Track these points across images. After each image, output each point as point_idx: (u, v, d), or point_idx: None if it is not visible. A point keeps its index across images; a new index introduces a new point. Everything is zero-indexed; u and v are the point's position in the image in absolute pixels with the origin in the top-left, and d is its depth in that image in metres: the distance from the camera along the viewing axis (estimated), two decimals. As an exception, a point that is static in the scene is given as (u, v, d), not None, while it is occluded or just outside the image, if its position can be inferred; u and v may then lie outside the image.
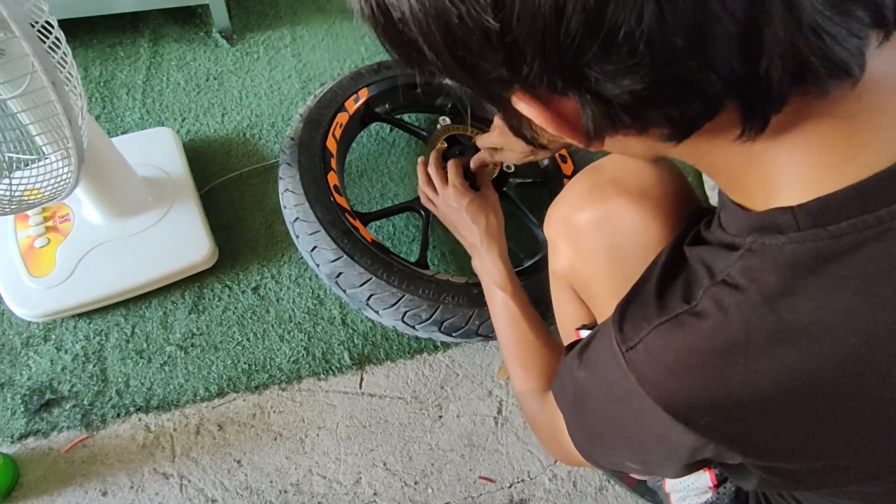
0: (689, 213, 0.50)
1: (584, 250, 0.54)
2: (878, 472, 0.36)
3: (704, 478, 0.55)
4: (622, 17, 0.24)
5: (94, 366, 0.87)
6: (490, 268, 0.75)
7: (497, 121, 0.84)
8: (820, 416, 0.32)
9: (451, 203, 0.82)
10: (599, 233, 0.52)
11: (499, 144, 0.82)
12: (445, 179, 0.84)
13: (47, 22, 0.61)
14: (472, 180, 0.86)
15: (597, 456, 0.45)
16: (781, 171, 0.32)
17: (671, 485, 0.59)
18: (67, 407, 0.83)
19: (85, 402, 0.84)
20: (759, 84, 0.27)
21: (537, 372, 0.63)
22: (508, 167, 0.98)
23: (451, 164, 0.85)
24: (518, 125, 0.34)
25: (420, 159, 0.90)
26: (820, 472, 0.36)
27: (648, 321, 0.35)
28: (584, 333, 0.61)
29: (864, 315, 0.29)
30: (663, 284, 0.37)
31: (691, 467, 0.39)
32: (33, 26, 0.58)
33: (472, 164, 0.89)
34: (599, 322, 0.59)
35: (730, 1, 0.24)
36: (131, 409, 0.84)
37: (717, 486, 0.55)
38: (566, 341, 0.68)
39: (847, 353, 0.30)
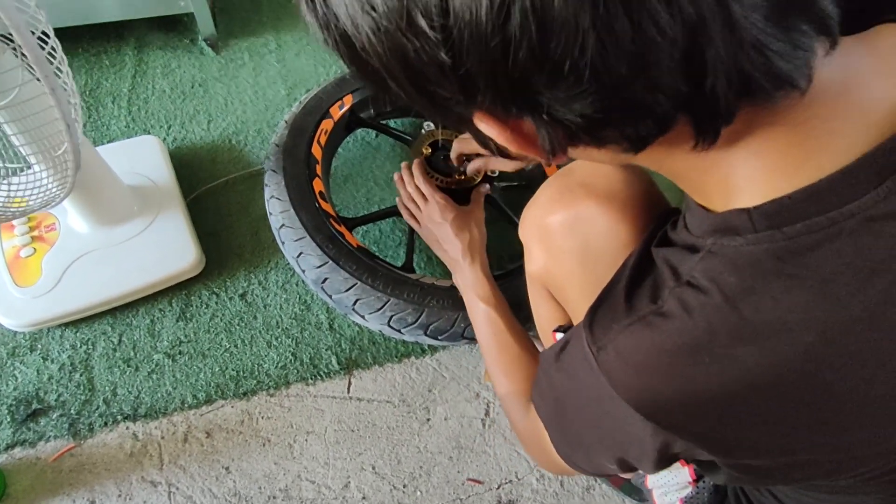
0: (658, 215, 0.51)
1: (556, 252, 0.55)
2: (841, 466, 0.36)
3: (684, 473, 0.56)
4: (566, 50, 0.25)
5: (80, 375, 0.87)
6: (473, 281, 0.76)
7: None
8: (782, 413, 0.33)
9: (434, 218, 0.83)
10: (570, 235, 0.53)
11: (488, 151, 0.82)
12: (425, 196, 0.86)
13: (44, 32, 0.61)
14: (454, 195, 0.88)
15: (577, 459, 0.46)
16: (738, 176, 0.33)
17: (653, 481, 0.60)
18: (54, 416, 0.83)
19: (72, 412, 0.84)
20: (706, 101, 0.28)
21: (521, 381, 0.64)
22: (493, 171, 0.99)
23: (424, 183, 0.86)
24: (486, 142, 0.35)
25: (396, 175, 0.91)
26: (785, 467, 0.37)
27: (617, 322, 0.36)
28: (560, 335, 0.62)
29: (821, 313, 0.30)
30: (632, 286, 0.38)
31: (665, 463, 0.39)
32: (32, 34, 0.59)
33: (469, 171, 0.90)
34: (575, 323, 0.60)
35: (668, 28, 0.25)
36: (119, 417, 0.84)
37: (696, 481, 0.56)
38: (544, 342, 0.69)
39: (805, 350, 0.31)
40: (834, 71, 0.30)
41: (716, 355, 0.32)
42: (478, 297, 0.74)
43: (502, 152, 0.36)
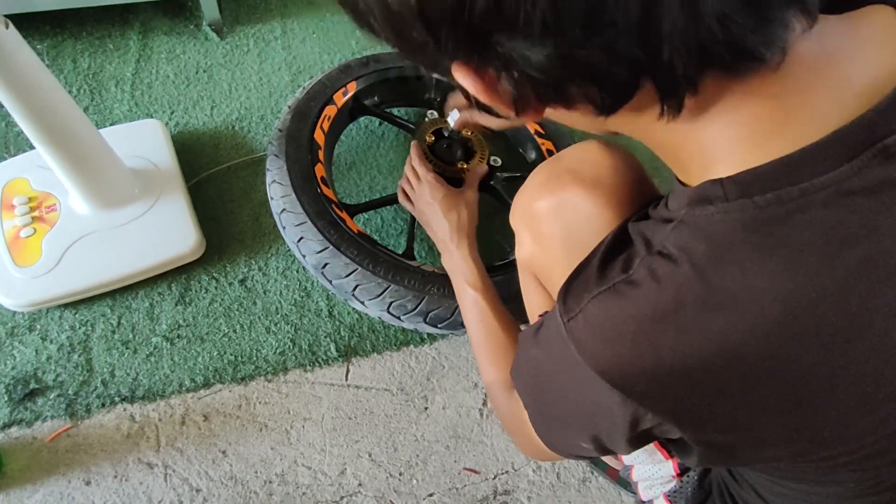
0: (644, 202, 0.51)
1: (543, 238, 0.55)
2: (810, 447, 0.36)
3: (668, 466, 0.56)
4: (519, 2, 0.27)
5: (79, 356, 0.87)
6: (461, 265, 0.76)
7: None
8: (748, 385, 0.33)
9: (426, 198, 0.83)
10: (555, 220, 0.53)
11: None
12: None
13: None
14: (456, 184, 0.87)
15: (553, 439, 0.45)
16: (714, 147, 0.33)
17: (638, 474, 0.60)
18: (52, 396, 0.83)
19: (69, 392, 0.84)
20: (664, 69, 0.28)
21: (506, 367, 0.63)
22: (496, 161, 0.99)
23: (419, 164, 0.87)
24: (466, 93, 0.37)
25: (408, 158, 0.91)
26: (752, 444, 0.36)
27: (588, 292, 0.36)
28: None
29: (789, 284, 0.30)
30: (607, 259, 0.38)
31: (637, 440, 0.39)
32: None
33: (455, 125, 0.90)
34: None
35: None
36: (116, 399, 0.84)
37: (680, 475, 0.55)
38: None
39: (771, 320, 0.31)
40: (812, 46, 0.31)
41: (682, 324, 0.32)
42: (465, 281, 0.74)
43: (486, 107, 0.36)
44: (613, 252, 0.38)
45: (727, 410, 0.34)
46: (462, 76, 0.33)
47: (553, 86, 0.31)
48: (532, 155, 1.08)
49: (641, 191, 0.52)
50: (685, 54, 0.28)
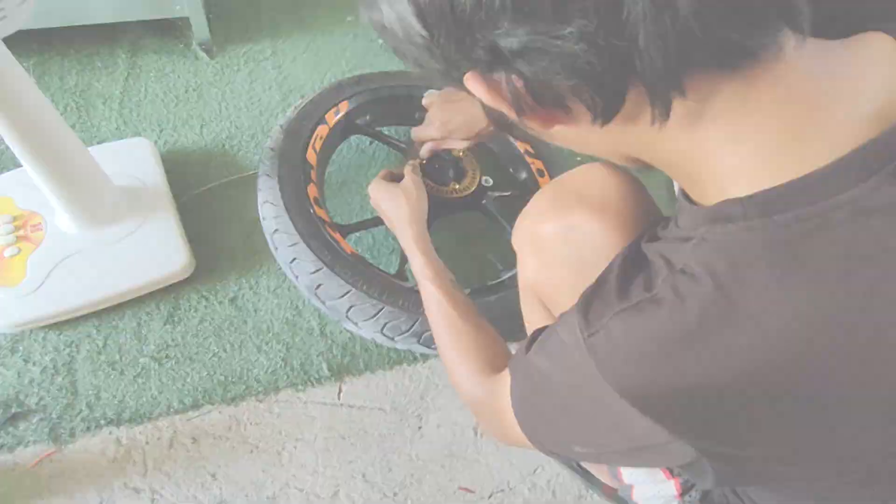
0: (650, 223, 0.51)
1: (548, 262, 0.55)
2: (827, 462, 0.36)
3: (669, 486, 0.56)
4: None
5: (63, 378, 0.85)
6: (409, 256, 0.76)
7: (431, 111, 0.89)
8: (767, 403, 0.33)
9: (377, 201, 0.85)
10: (562, 244, 0.53)
11: (439, 135, 0.87)
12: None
13: None
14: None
15: (542, 437, 0.45)
16: (727, 166, 0.34)
17: (639, 494, 0.60)
18: (34, 420, 0.81)
19: (53, 416, 0.81)
20: (645, 63, 0.30)
21: (473, 355, 0.62)
22: (487, 180, 1.00)
23: (386, 170, 0.90)
24: (483, 107, 0.38)
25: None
26: (770, 460, 0.36)
27: (610, 308, 0.36)
28: None
29: (809, 303, 0.31)
30: (624, 276, 0.38)
31: (639, 453, 0.39)
32: None
33: (422, 153, 0.93)
34: None
35: None
36: (102, 422, 0.82)
37: (682, 495, 0.55)
38: None
39: (792, 339, 0.31)
40: (811, 64, 0.32)
41: (705, 343, 0.33)
42: (415, 270, 0.73)
43: (501, 121, 0.38)
44: (630, 270, 0.38)
45: (746, 427, 0.34)
46: (472, 85, 0.35)
47: (542, 82, 0.32)
48: (522, 174, 1.10)
49: (647, 212, 0.53)
50: (662, 46, 0.29)
